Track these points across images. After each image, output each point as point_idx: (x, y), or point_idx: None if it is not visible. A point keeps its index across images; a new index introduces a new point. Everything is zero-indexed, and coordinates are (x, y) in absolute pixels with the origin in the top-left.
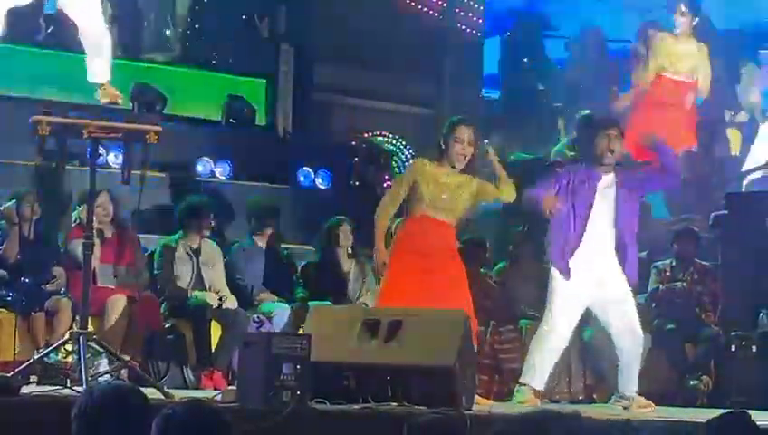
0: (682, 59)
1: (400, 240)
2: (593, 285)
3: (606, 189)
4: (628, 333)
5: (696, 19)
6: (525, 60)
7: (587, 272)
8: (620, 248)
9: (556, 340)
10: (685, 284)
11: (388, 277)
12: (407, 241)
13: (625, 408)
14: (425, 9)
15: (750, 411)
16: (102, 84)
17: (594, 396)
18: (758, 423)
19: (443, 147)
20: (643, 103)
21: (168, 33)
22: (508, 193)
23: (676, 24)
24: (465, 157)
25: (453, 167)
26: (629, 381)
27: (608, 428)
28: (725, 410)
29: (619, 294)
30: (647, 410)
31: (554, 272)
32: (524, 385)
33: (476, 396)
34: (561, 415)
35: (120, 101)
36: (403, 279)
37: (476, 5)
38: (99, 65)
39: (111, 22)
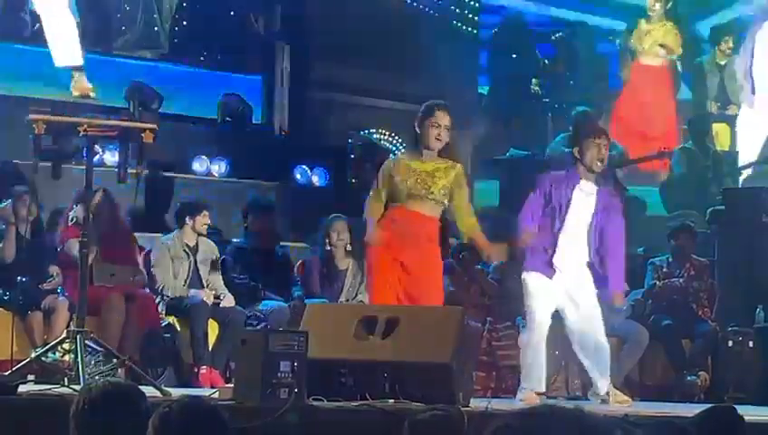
0: (656, 43)
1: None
2: (563, 290)
3: (588, 197)
4: (590, 346)
5: (670, 3)
6: (514, 55)
7: (559, 274)
8: (602, 258)
9: (537, 338)
10: (681, 280)
11: (371, 279)
12: (381, 236)
13: (603, 401)
14: (421, 6)
15: (747, 406)
16: (74, 74)
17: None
18: (755, 418)
19: (417, 132)
20: (624, 95)
21: (160, 30)
22: (468, 227)
23: (650, 7)
24: (441, 141)
25: (428, 149)
26: (599, 383)
27: (608, 423)
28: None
29: (586, 306)
30: (624, 405)
31: (526, 276)
32: (526, 388)
33: None
34: (564, 410)
35: (91, 94)
36: (384, 277)
37: (473, 2)
38: (63, 48)
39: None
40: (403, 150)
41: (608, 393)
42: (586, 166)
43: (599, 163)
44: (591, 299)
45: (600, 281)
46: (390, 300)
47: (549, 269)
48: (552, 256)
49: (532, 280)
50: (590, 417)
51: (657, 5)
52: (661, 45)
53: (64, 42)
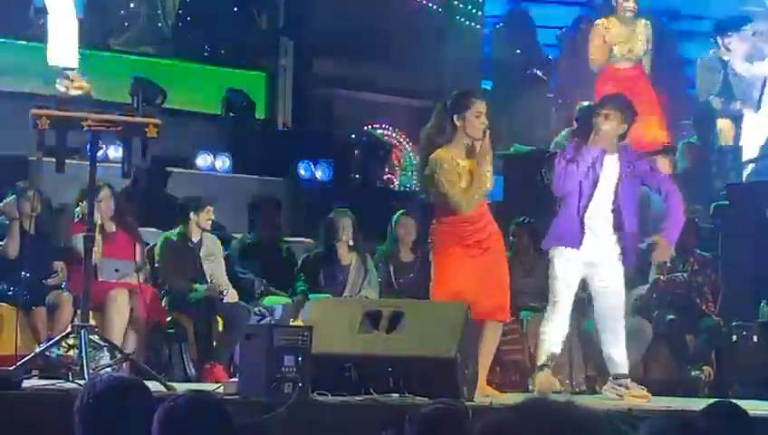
0: (626, 42)
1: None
2: (585, 263)
3: (609, 170)
4: (608, 319)
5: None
6: (518, 50)
7: (583, 249)
8: (619, 231)
9: (559, 315)
10: (685, 274)
11: (440, 272)
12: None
13: (619, 396)
14: (424, 1)
15: (751, 401)
16: (69, 74)
17: (596, 387)
18: (759, 413)
19: (456, 124)
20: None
21: (164, 26)
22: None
23: (619, 6)
24: (485, 130)
25: (470, 144)
26: (615, 364)
27: (603, 417)
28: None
29: (607, 279)
30: (641, 401)
31: (553, 252)
32: (544, 367)
33: (490, 387)
34: (554, 403)
35: (92, 93)
36: (456, 272)
37: None
38: (60, 48)
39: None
40: (439, 148)
41: (626, 376)
42: (606, 139)
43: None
44: (612, 273)
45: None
46: None
47: (576, 239)
48: (581, 223)
49: (558, 259)
50: (581, 410)
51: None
52: (625, 46)
53: (63, 41)
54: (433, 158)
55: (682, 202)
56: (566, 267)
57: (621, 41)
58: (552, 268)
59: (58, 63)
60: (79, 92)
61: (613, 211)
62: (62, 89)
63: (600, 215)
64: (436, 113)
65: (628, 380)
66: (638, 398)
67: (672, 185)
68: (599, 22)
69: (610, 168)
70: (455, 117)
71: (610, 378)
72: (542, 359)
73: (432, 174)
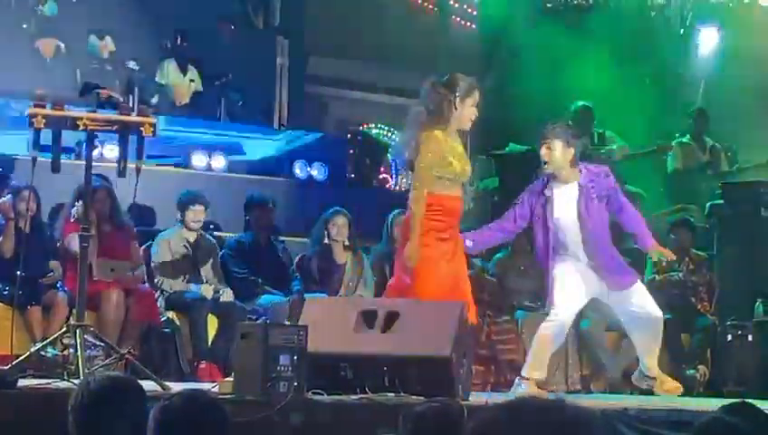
0: None
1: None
2: (596, 277)
3: (569, 201)
4: (638, 319)
5: None
6: (514, 51)
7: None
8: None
9: (558, 331)
10: (681, 274)
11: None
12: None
13: (648, 386)
14: (420, 1)
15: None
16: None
17: (591, 386)
18: None
19: (455, 109)
20: None
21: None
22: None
23: None
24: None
25: (459, 129)
26: (647, 364)
27: (596, 415)
28: (732, 400)
29: (635, 301)
30: (672, 392)
31: (556, 267)
32: (526, 379)
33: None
34: (545, 401)
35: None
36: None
37: None
38: None
39: None
40: (435, 130)
41: (654, 378)
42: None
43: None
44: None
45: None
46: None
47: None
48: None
49: (561, 271)
50: (571, 408)
51: None
52: None
53: None
54: (428, 134)
55: (634, 209)
56: (572, 279)
57: None
58: (555, 277)
59: None
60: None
61: (584, 242)
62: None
63: (571, 245)
64: (433, 91)
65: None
66: (670, 390)
67: (621, 197)
68: None
69: (568, 197)
70: (450, 102)
71: (639, 370)
72: (527, 368)
73: (426, 153)
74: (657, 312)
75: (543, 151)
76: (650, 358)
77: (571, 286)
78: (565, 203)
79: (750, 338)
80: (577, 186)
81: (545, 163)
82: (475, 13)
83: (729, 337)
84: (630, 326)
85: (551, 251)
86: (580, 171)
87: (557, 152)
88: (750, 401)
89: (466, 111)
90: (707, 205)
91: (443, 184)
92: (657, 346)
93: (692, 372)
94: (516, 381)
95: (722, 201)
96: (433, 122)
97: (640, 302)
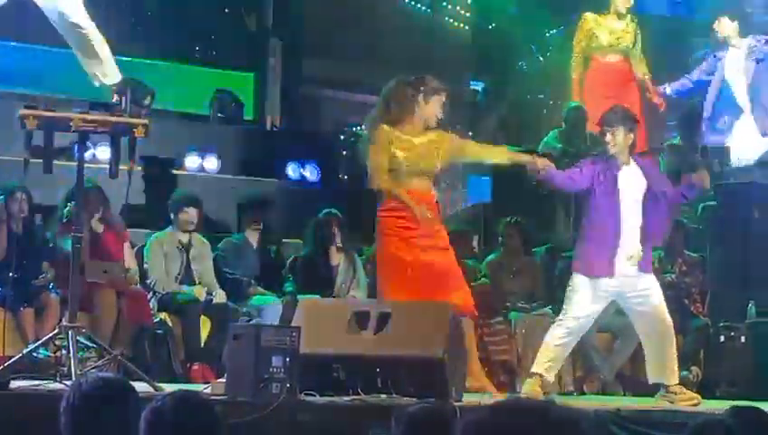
0: (613, 39)
1: (385, 224)
2: (615, 281)
3: (630, 183)
4: (649, 324)
5: None
6: (509, 52)
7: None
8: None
9: (571, 336)
10: (673, 275)
11: (386, 269)
12: (392, 222)
13: (671, 402)
14: (412, 2)
15: (739, 401)
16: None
17: (584, 388)
18: None
19: (410, 106)
20: (586, 93)
21: (153, 26)
22: (498, 154)
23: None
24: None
25: (425, 127)
26: (660, 371)
27: (586, 417)
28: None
29: (641, 285)
30: (690, 404)
31: (576, 275)
32: (536, 374)
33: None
34: (532, 403)
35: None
36: (403, 265)
37: None
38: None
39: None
40: (385, 124)
41: (671, 391)
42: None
43: (610, 146)
44: (646, 280)
45: None
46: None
47: (606, 269)
48: (613, 252)
49: (580, 280)
50: (559, 410)
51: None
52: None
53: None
54: (376, 129)
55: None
56: (591, 295)
57: (609, 31)
58: (574, 288)
59: (110, 81)
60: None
61: (641, 227)
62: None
63: (629, 232)
64: (397, 89)
65: (678, 386)
66: (689, 401)
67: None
68: (587, 14)
69: (632, 182)
70: (407, 100)
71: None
72: (537, 367)
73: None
74: (668, 319)
75: (608, 137)
76: (662, 362)
77: (591, 294)
78: (629, 190)
79: (743, 339)
80: (635, 171)
81: (610, 146)
82: (468, 14)
83: (722, 338)
84: (640, 329)
85: (601, 254)
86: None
87: (620, 137)
88: (739, 401)
89: (431, 110)
90: (700, 206)
91: (397, 176)
92: (669, 353)
93: (685, 373)
94: (527, 378)
95: (714, 202)
96: (388, 118)
97: (654, 306)
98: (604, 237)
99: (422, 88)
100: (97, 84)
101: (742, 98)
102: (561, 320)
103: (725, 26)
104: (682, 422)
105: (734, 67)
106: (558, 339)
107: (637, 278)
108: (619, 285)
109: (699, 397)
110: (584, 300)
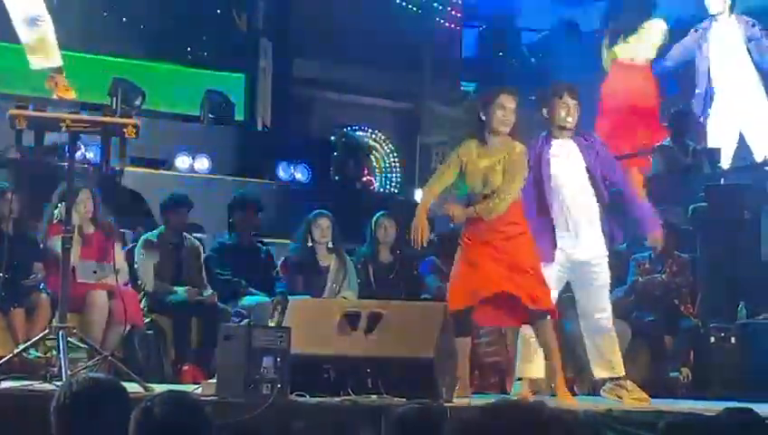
0: (638, 39)
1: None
2: (566, 261)
3: (570, 155)
4: (589, 314)
5: None
6: (501, 52)
7: (561, 249)
8: (624, 206)
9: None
10: (664, 276)
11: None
12: (469, 236)
13: (619, 397)
14: (404, 3)
15: (729, 402)
16: (53, 76)
17: (575, 388)
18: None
19: (482, 119)
20: (609, 93)
21: (143, 27)
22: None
23: None
24: (507, 123)
25: (495, 136)
26: (600, 365)
27: (575, 418)
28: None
29: (588, 271)
30: (641, 403)
31: None
32: (521, 379)
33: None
34: (524, 404)
35: (73, 95)
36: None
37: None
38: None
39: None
40: (474, 141)
41: (623, 388)
42: (556, 125)
43: (569, 120)
44: (598, 276)
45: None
46: None
47: (549, 254)
48: (552, 235)
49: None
50: (550, 411)
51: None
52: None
53: (45, 44)
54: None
55: (626, 181)
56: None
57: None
58: None
59: (43, 66)
60: (65, 96)
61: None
62: (48, 88)
63: (579, 214)
64: (469, 106)
65: (628, 381)
66: (638, 400)
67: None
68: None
69: (575, 158)
70: (479, 114)
71: (608, 380)
72: (523, 371)
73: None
74: (608, 324)
75: (573, 109)
76: (597, 366)
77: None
78: (572, 162)
79: (733, 340)
80: (575, 143)
81: (572, 118)
82: (459, 14)
83: (712, 339)
84: (582, 317)
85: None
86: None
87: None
88: (729, 402)
89: (493, 118)
90: (690, 207)
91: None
92: (608, 345)
93: (675, 374)
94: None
95: (705, 204)
96: (468, 135)
97: (597, 296)
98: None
99: (482, 98)
100: (36, 67)
101: (719, 77)
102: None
103: (715, 2)
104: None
105: (718, 45)
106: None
107: (586, 263)
108: (566, 263)
109: (648, 398)
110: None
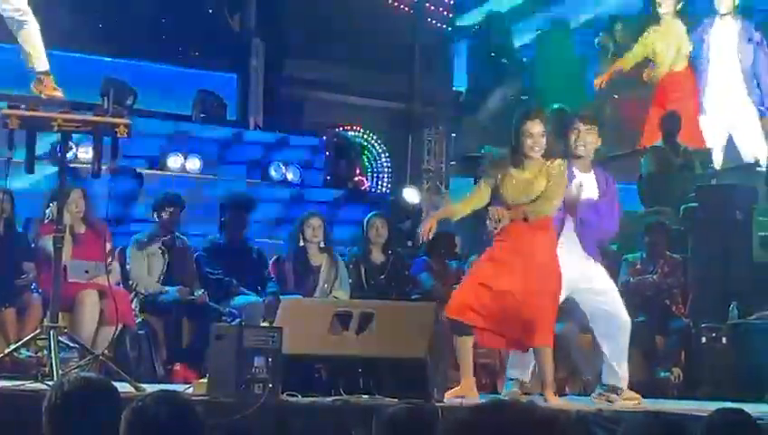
0: (670, 46)
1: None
2: (575, 274)
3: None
4: (605, 322)
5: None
6: (493, 54)
7: (568, 263)
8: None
9: None
10: (655, 276)
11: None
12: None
13: (609, 401)
14: (395, 3)
15: (720, 402)
16: (41, 78)
17: (566, 389)
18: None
19: (513, 143)
20: (656, 102)
21: (136, 27)
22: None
23: (660, 6)
24: (537, 150)
25: (529, 160)
26: (611, 372)
27: (568, 418)
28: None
29: (600, 283)
30: (632, 403)
31: None
32: (512, 380)
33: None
34: (516, 404)
35: (60, 94)
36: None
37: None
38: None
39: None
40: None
41: (617, 390)
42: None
43: (536, 149)
44: (604, 278)
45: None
46: None
47: None
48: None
49: None
50: (543, 411)
51: (667, 7)
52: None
53: (35, 46)
54: None
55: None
56: None
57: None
58: None
59: (35, 67)
60: (52, 95)
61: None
62: (36, 92)
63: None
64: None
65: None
66: (630, 400)
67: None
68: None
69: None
70: (512, 137)
71: (599, 386)
72: (513, 370)
73: None
74: (626, 317)
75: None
76: (615, 364)
77: None
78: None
79: (724, 341)
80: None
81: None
82: (450, 15)
83: (703, 339)
84: (596, 327)
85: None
86: None
87: (592, 137)
88: (720, 402)
89: (523, 145)
90: (682, 208)
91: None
92: (622, 353)
93: (666, 374)
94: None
95: (696, 204)
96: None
97: (612, 304)
98: None
99: (515, 123)
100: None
101: (712, 77)
102: None
103: (723, 1)
104: (661, 423)
105: (717, 45)
106: None
107: (589, 276)
108: (574, 276)
109: (640, 397)
110: None
